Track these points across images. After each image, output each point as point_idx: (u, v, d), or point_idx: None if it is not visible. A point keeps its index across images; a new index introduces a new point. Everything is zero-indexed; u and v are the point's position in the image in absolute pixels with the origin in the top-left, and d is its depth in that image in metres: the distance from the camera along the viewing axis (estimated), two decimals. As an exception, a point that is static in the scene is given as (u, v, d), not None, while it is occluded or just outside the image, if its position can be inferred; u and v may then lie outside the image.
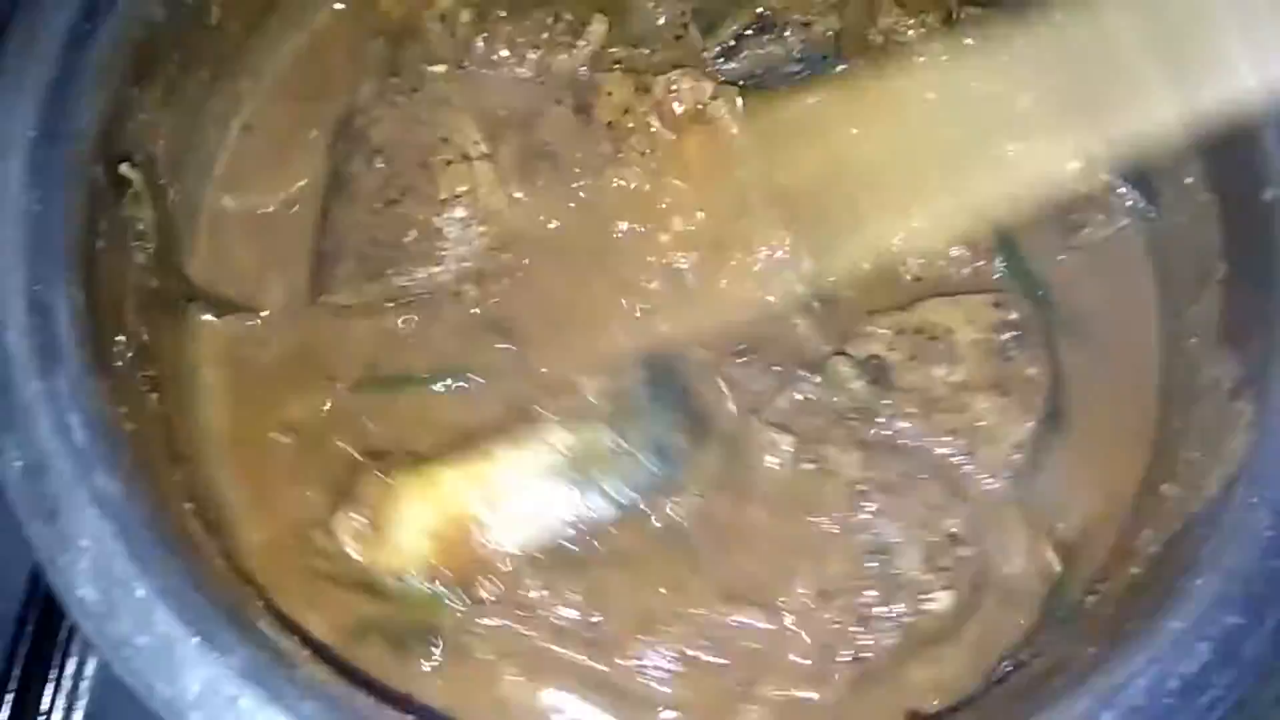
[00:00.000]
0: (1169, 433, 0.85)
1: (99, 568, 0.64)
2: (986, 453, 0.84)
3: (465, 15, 0.97)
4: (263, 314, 0.90)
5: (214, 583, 0.68)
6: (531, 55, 0.96)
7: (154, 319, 0.84)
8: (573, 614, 0.80)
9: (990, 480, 0.84)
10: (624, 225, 0.91)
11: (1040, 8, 0.92)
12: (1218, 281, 0.84)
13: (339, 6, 1.02)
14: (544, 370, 0.87)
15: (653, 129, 0.92)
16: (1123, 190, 0.94)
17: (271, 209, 0.95)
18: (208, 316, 0.90)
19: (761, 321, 0.89)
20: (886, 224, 0.92)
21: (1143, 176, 0.93)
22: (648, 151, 0.91)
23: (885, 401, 0.85)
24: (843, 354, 0.86)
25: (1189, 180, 0.87)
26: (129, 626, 0.63)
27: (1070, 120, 0.93)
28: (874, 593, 0.80)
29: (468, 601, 0.80)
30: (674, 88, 0.92)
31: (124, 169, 0.80)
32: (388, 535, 0.80)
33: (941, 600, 0.80)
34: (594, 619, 0.80)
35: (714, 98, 0.91)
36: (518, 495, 0.81)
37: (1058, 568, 0.82)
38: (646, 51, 0.97)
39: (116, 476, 0.67)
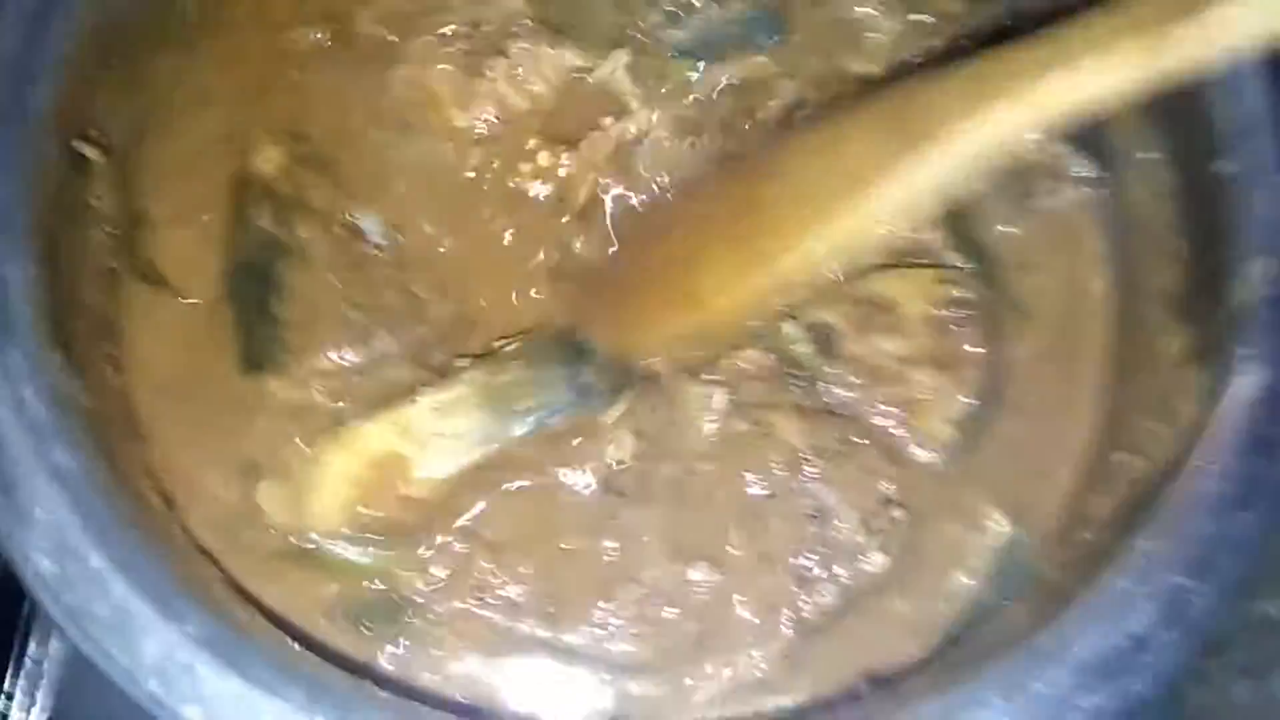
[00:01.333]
0: (1121, 401, 0.86)
1: (55, 540, 0.64)
2: (923, 425, 0.85)
3: None
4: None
5: (171, 555, 0.69)
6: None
7: (115, 297, 0.85)
8: (528, 588, 0.81)
9: (926, 453, 0.85)
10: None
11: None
12: (1170, 253, 0.85)
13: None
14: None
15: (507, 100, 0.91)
16: (1074, 161, 0.94)
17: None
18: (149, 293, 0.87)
19: None
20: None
21: (1095, 148, 0.93)
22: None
23: (829, 369, 0.86)
24: (791, 318, 0.87)
25: (1140, 154, 0.88)
26: (85, 597, 0.64)
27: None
28: (813, 555, 0.81)
29: (400, 546, 0.80)
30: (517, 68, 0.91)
31: (84, 148, 0.80)
32: (312, 497, 0.81)
33: (875, 561, 0.81)
34: (550, 591, 0.81)
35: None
36: (437, 428, 0.82)
37: (1003, 530, 0.83)
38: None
39: (73, 450, 0.67)
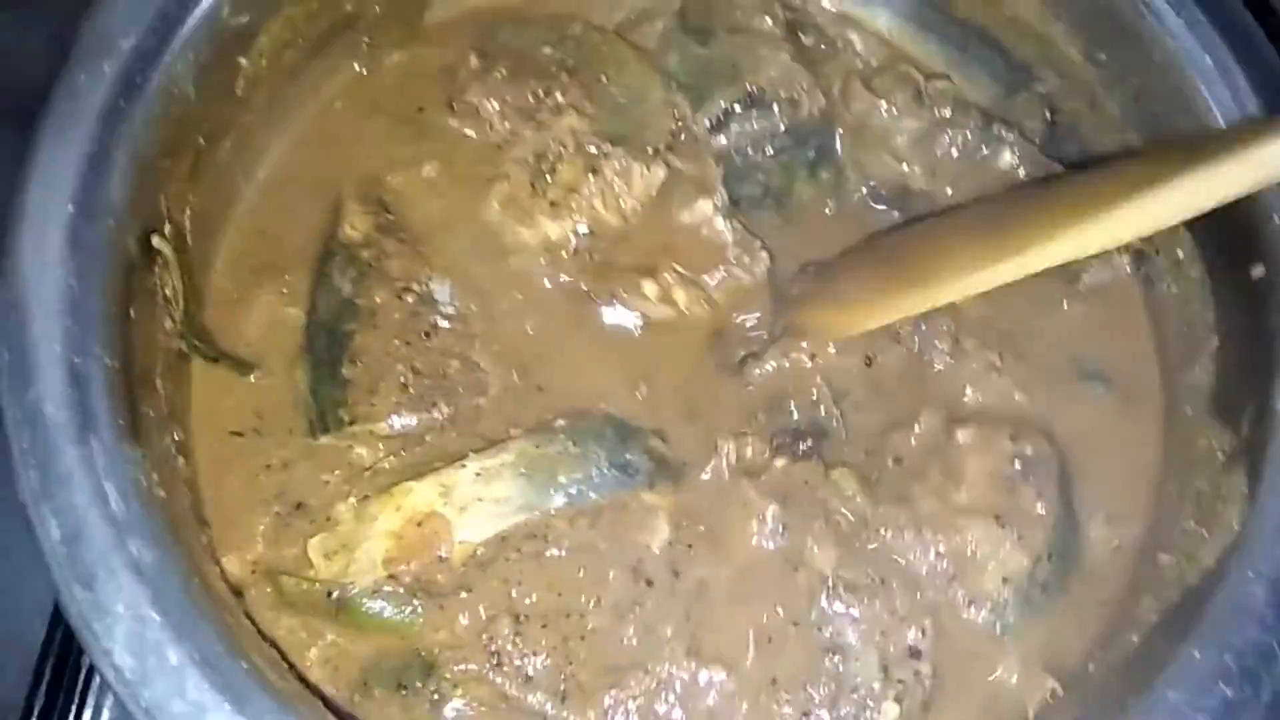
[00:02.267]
0: (1167, 499, 0.88)
1: (134, 634, 0.66)
2: (972, 582, 0.85)
3: (474, 61, 1.01)
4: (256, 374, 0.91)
5: (242, 647, 0.70)
6: (507, 121, 0.99)
7: (177, 382, 0.87)
8: (544, 662, 0.82)
9: (970, 610, 0.85)
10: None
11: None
12: (1210, 353, 0.87)
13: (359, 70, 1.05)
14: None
15: (596, 212, 0.96)
16: (1118, 258, 0.97)
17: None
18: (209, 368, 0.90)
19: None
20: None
21: (1134, 248, 0.97)
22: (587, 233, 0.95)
23: (881, 510, 0.87)
24: (845, 465, 0.89)
25: (1180, 253, 0.90)
26: (164, 693, 0.65)
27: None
28: (824, 691, 0.82)
29: (430, 605, 0.82)
30: (623, 173, 0.96)
31: (156, 241, 0.83)
32: (354, 549, 0.83)
33: (888, 713, 0.82)
34: (565, 669, 0.82)
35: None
36: (480, 493, 0.84)
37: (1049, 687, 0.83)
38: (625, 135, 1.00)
39: (151, 543, 0.69)
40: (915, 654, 0.83)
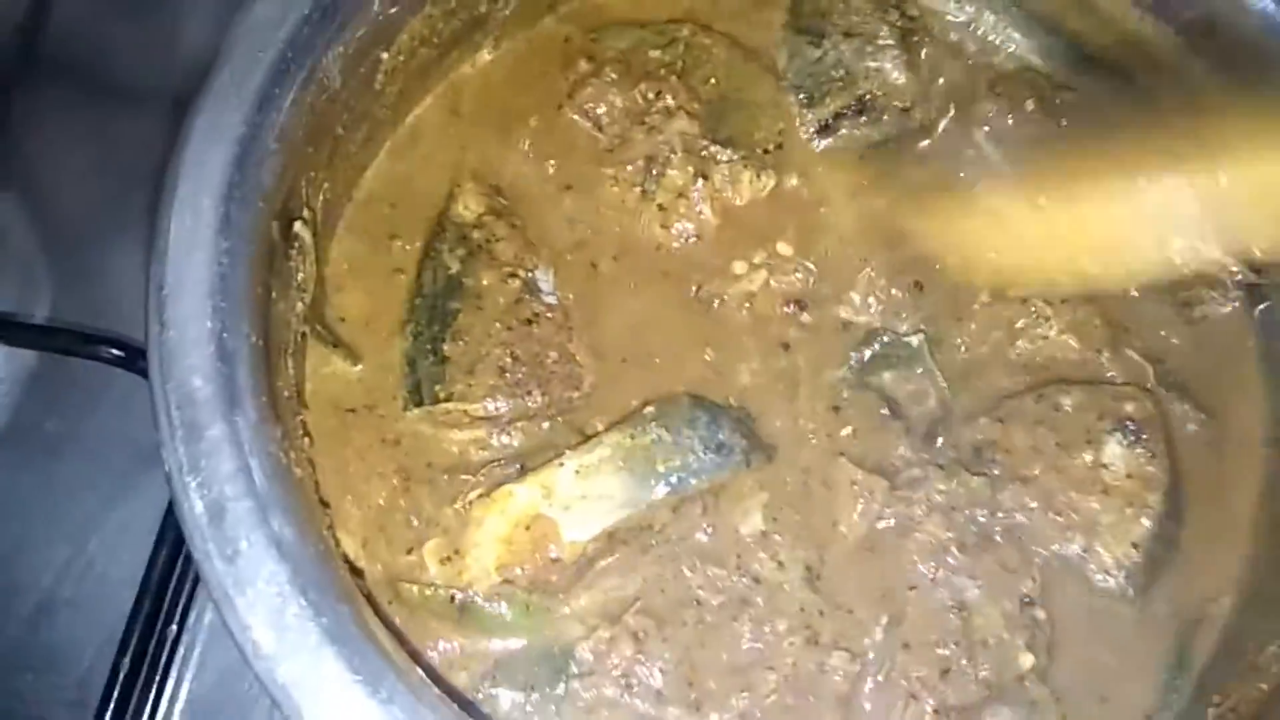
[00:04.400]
0: (1276, 536, 0.88)
1: (274, 610, 0.67)
2: (1104, 550, 0.86)
3: (583, 65, 1.03)
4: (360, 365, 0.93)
5: (370, 629, 0.71)
6: (616, 125, 1.01)
7: (299, 364, 0.89)
8: (670, 674, 0.83)
9: (1104, 578, 0.86)
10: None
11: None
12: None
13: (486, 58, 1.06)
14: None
15: (701, 215, 0.97)
16: (1235, 269, 0.97)
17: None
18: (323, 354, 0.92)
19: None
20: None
21: (1249, 259, 0.96)
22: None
23: (1004, 494, 0.88)
24: (962, 468, 0.90)
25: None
26: (300, 670, 0.66)
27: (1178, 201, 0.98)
28: (955, 647, 0.83)
29: (550, 604, 0.84)
30: (732, 179, 0.97)
31: (298, 226, 0.84)
32: (469, 556, 0.84)
33: (1023, 660, 0.83)
34: (691, 678, 0.83)
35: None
36: (582, 490, 0.85)
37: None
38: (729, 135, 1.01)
39: (291, 521, 0.70)
40: (1029, 603, 0.85)
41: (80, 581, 1.07)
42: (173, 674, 1.00)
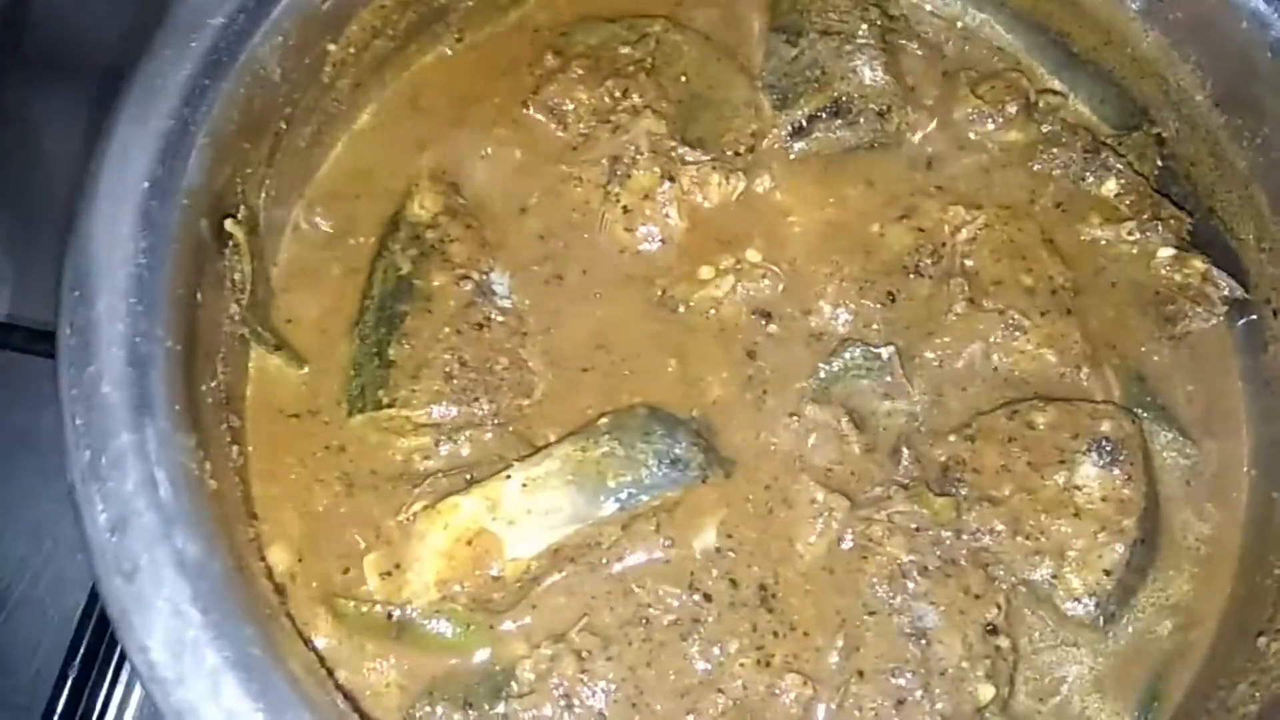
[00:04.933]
0: (1259, 565, 0.84)
1: (172, 631, 0.64)
2: (1075, 576, 0.82)
3: (550, 59, 1.00)
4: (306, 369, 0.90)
5: (281, 651, 0.68)
6: (582, 123, 0.97)
7: (236, 368, 0.85)
8: (614, 695, 0.79)
9: (1074, 605, 0.82)
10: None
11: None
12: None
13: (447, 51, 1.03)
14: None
15: (667, 218, 0.93)
16: (1220, 280, 0.93)
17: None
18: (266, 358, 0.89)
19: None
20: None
21: (1238, 264, 0.93)
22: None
23: (970, 515, 0.84)
24: (927, 487, 0.86)
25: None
26: (198, 695, 0.63)
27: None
28: (912, 676, 0.79)
29: (490, 623, 0.81)
30: (700, 181, 0.93)
31: (229, 224, 0.81)
32: (408, 570, 0.81)
33: (982, 693, 0.79)
34: (635, 700, 0.80)
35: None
36: (528, 504, 0.82)
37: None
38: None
39: (197, 536, 0.67)
40: (992, 630, 0.81)
41: (34, 582, 1.05)
42: (122, 679, 0.98)
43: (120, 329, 0.70)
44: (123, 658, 0.97)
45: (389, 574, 0.81)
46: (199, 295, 0.77)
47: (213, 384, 0.79)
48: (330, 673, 0.77)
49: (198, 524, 0.67)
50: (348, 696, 0.74)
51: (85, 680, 0.96)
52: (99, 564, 0.65)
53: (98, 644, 0.96)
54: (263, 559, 0.78)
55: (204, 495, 0.70)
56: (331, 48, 0.90)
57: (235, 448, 0.81)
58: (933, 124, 1.00)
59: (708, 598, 0.82)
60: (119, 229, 0.72)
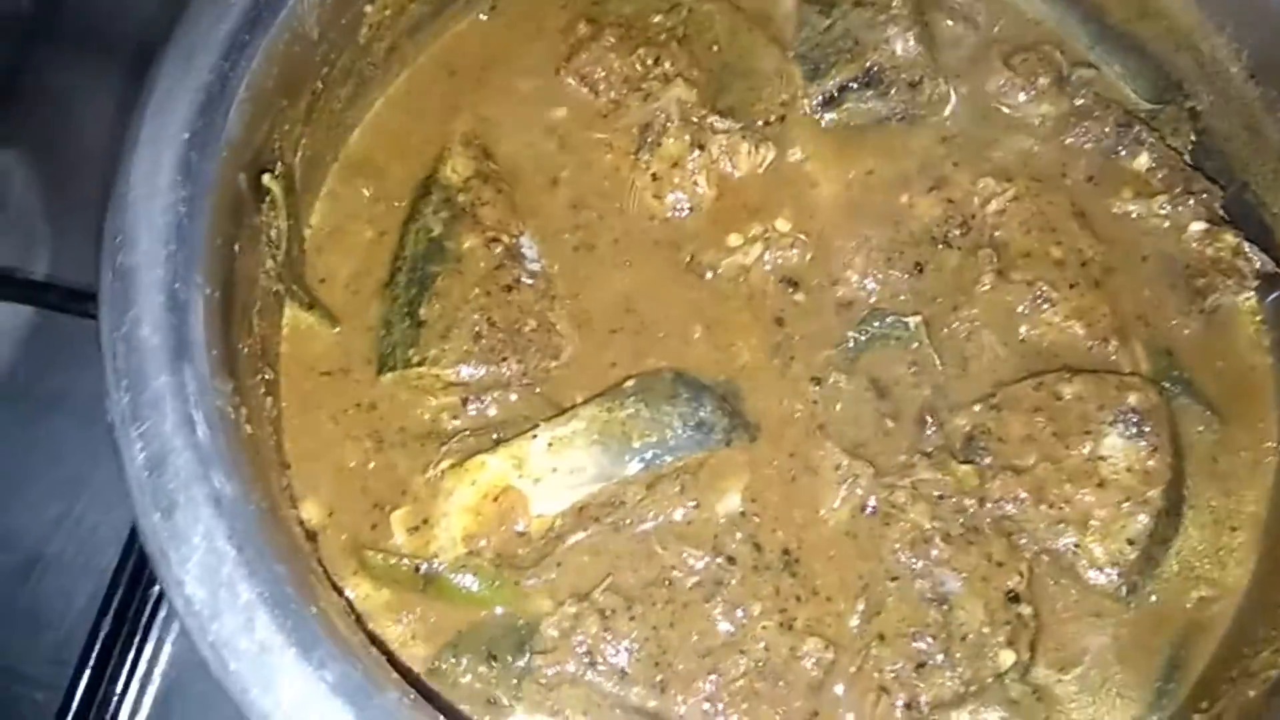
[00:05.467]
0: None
1: (208, 567, 0.65)
2: (1098, 545, 0.82)
3: (583, 27, 1.00)
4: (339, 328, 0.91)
5: (312, 593, 0.69)
6: (613, 90, 0.98)
7: (275, 322, 0.87)
8: (636, 654, 0.80)
9: (1096, 574, 0.82)
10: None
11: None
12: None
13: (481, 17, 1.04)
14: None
15: (697, 186, 0.93)
16: (1252, 254, 0.92)
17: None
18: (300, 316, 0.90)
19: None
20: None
21: (1271, 238, 0.92)
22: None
23: (994, 483, 0.84)
24: (951, 456, 0.86)
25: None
26: (232, 630, 0.64)
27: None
28: (933, 641, 0.79)
29: (515, 578, 0.82)
30: (730, 150, 0.94)
31: (266, 179, 0.82)
32: (435, 525, 0.82)
33: (1003, 658, 0.80)
34: (658, 659, 0.80)
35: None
36: (553, 463, 0.82)
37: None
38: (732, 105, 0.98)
39: (233, 477, 0.68)
40: (1014, 598, 0.81)
41: (67, 540, 1.06)
42: (153, 635, 0.99)
43: (160, 274, 0.71)
44: (154, 615, 0.99)
45: (416, 529, 0.82)
46: (236, 247, 0.78)
47: (249, 338, 0.80)
48: (359, 620, 0.78)
49: (234, 465, 0.68)
50: (375, 641, 0.75)
51: (117, 636, 0.97)
52: (138, 502, 0.66)
53: (130, 601, 0.98)
54: (295, 507, 0.79)
55: (240, 439, 0.71)
56: (369, 9, 0.91)
57: (270, 399, 0.82)
58: (964, 95, 1.00)
59: (731, 560, 0.83)
60: (159, 178, 0.73)
